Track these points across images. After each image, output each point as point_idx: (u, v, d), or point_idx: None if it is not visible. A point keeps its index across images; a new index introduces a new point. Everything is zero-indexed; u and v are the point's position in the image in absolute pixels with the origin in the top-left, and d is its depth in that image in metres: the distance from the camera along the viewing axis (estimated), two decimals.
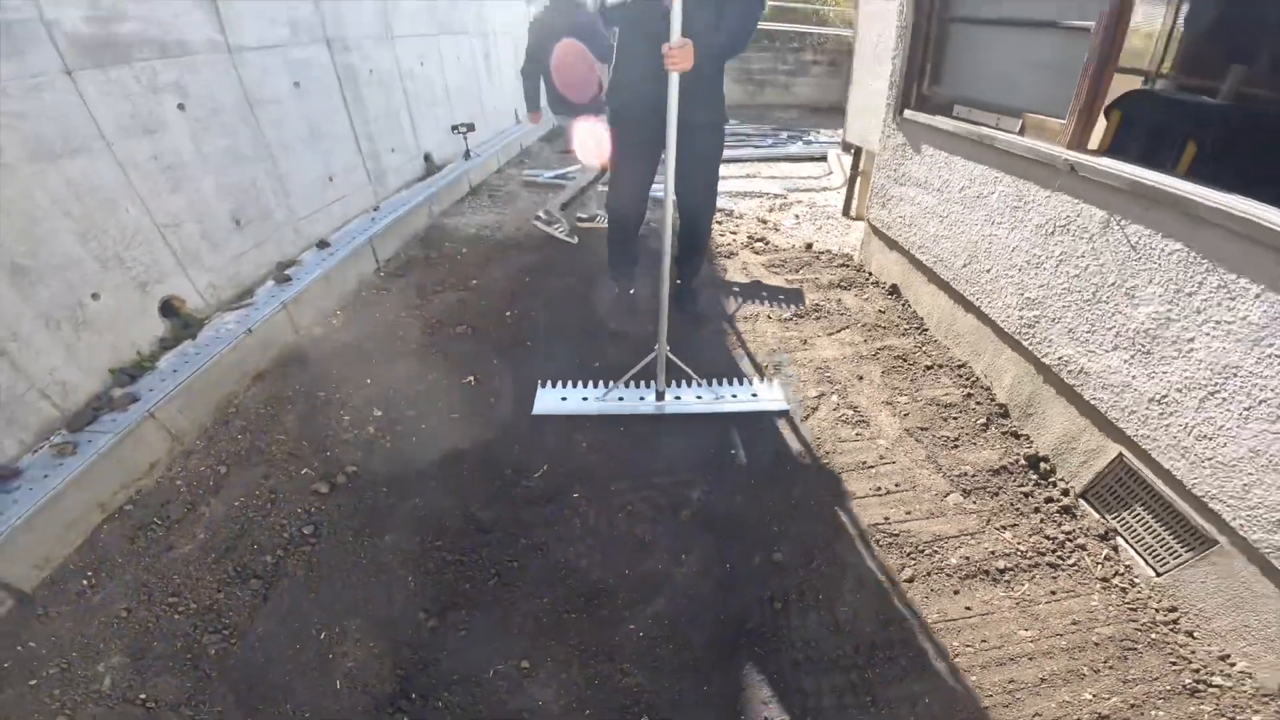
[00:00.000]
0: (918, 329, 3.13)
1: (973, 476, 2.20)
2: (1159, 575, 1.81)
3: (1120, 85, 2.78)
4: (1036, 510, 2.07)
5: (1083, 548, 1.94)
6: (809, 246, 4.18)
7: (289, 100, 3.25)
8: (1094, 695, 1.54)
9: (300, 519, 2.00)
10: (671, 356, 2.50)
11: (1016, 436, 2.38)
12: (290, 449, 2.28)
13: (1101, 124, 2.37)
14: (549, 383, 2.66)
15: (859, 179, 4.66)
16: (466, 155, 5.50)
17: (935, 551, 1.93)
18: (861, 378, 2.75)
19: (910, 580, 1.84)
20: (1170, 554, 1.78)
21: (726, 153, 3.35)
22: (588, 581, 1.82)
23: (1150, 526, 1.85)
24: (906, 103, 3.11)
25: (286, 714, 1.49)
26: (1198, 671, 1.59)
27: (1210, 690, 1.55)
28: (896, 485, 2.17)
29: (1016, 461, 2.25)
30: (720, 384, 2.66)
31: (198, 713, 1.48)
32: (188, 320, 2.57)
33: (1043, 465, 2.23)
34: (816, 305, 3.38)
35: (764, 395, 2.60)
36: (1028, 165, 2.25)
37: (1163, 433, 1.76)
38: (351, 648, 1.63)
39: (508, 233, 4.48)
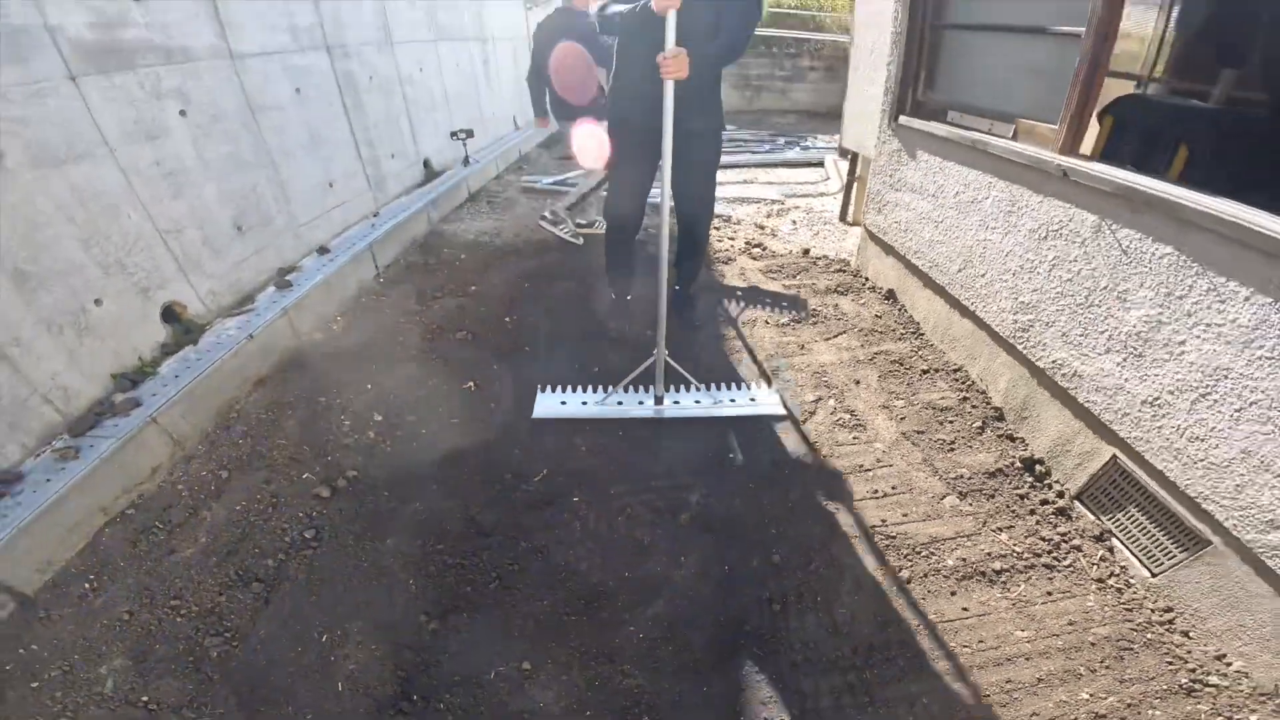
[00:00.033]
0: (914, 334, 3.15)
1: (969, 479, 2.21)
2: (1154, 576, 1.82)
3: (1114, 89, 2.82)
4: (1032, 512, 2.09)
5: (1078, 549, 1.95)
6: (806, 252, 4.20)
7: (290, 106, 3.28)
8: (1091, 695, 1.55)
9: (301, 523, 2.01)
10: (670, 361, 2.52)
11: (1012, 439, 2.40)
12: (291, 454, 2.30)
13: (1094, 128, 2.40)
14: (548, 387, 2.67)
15: (856, 184, 4.69)
16: (465, 161, 5.52)
17: (932, 553, 1.94)
18: (858, 382, 2.77)
19: (908, 582, 1.85)
20: (1165, 555, 1.80)
21: (724, 158, 3.38)
22: (588, 584, 1.83)
23: (1145, 527, 1.87)
24: (901, 109, 3.14)
25: (288, 716, 1.50)
26: (1194, 671, 1.60)
27: (1207, 689, 1.56)
28: (893, 488, 2.19)
29: (1012, 464, 2.27)
30: (718, 388, 2.67)
31: (199, 715, 1.49)
32: (189, 326, 2.59)
33: (1038, 468, 2.25)
34: (814, 310, 3.41)
35: (762, 400, 2.61)
36: (1021, 170, 2.28)
37: (1155, 434, 1.78)
38: (353, 650, 1.64)
39: (506, 239, 4.51)
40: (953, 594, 1.82)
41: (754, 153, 7.08)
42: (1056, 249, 2.14)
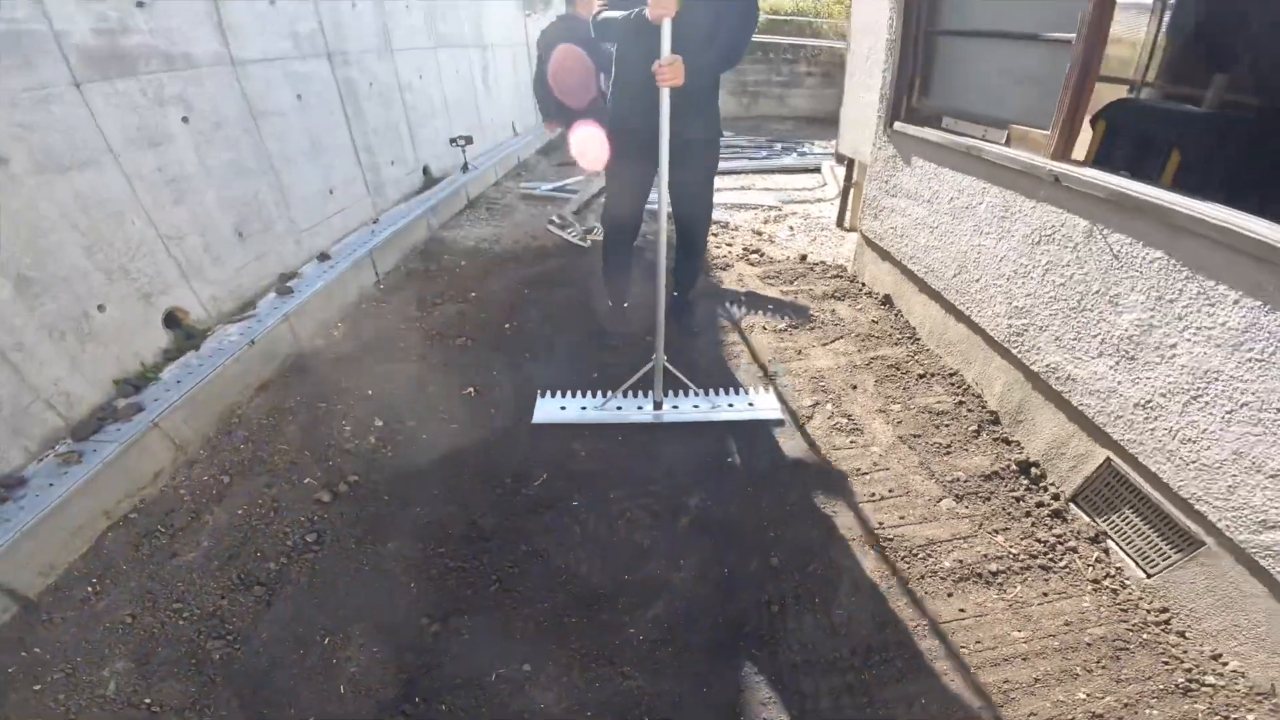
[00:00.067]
0: (910, 338, 3.17)
1: (965, 482, 2.23)
2: (1149, 577, 1.84)
3: (1107, 94, 2.85)
4: (1028, 514, 2.10)
5: (1074, 550, 1.97)
6: (803, 258, 4.23)
7: (291, 113, 3.30)
8: (1088, 695, 1.57)
9: (303, 527, 2.02)
10: (669, 366, 2.54)
11: (1007, 443, 2.42)
12: (292, 458, 2.31)
13: (1087, 133, 2.43)
14: (548, 392, 2.69)
15: (852, 190, 4.73)
16: (465, 168, 5.55)
17: (929, 555, 1.96)
18: (855, 386, 2.79)
19: (905, 583, 1.86)
20: (1160, 556, 1.82)
21: (721, 165, 3.41)
22: (588, 587, 1.84)
23: (1139, 529, 1.89)
24: (897, 115, 3.17)
25: (291, 718, 1.50)
26: (1190, 671, 1.61)
27: (1203, 689, 1.57)
28: (890, 491, 2.21)
29: (1008, 467, 2.29)
30: (717, 393, 2.69)
31: (202, 717, 1.49)
32: (191, 331, 2.60)
33: (1033, 470, 2.27)
34: (811, 315, 3.43)
35: (760, 404, 2.63)
36: (1014, 176, 2.30)
37: (1148, 437, 1.80)
38: (355, 653, 1.65)
39: (506, 245, 4.53)
40: (950, 595, 1.83)
41: (751, 159, 7.12)
42: (1049, 254, 2.16)
